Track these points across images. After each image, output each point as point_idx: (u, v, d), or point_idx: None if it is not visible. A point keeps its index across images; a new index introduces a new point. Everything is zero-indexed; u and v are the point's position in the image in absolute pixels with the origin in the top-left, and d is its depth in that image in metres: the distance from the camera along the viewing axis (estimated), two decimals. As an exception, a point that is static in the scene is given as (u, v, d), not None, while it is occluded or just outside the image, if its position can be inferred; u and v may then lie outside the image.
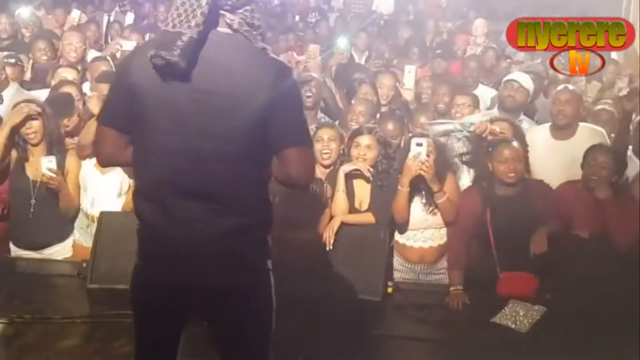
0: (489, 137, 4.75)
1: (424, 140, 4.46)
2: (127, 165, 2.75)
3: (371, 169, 4.63)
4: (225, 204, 2.51)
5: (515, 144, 4.58)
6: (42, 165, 4.60)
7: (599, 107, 5.59)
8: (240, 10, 2.50)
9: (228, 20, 2.50)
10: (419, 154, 4.39)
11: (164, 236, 2.56)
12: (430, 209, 4.59)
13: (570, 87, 5.12)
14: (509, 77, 5.64)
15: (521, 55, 7.34)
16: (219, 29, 2.50)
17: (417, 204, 4.62)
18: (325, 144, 4.78)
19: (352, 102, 5.66)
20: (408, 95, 6.35)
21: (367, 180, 4.65)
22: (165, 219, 2.53)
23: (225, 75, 2.44)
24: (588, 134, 5.01)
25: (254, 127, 2.45)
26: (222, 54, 2.47)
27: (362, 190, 4.69)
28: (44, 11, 8.55)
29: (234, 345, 2.68)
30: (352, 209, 4.67)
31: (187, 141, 2.47)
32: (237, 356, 2.70)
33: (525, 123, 5.43)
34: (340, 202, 4.60)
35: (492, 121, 4.96)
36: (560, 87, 5.16)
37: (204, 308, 2.65)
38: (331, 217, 4.61)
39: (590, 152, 4.56)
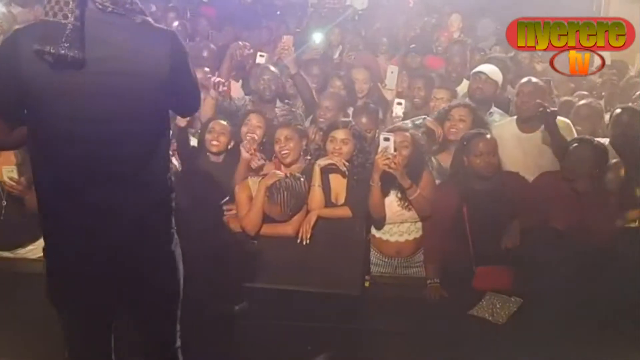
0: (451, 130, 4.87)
1: (391, 135, 4.45)
2: (12, 149, 2.72)
3: (347, 163, 4.62)
4: (136, 183, 2.57)
5: (488, 136, 4.59)
6: (3, 174, 4.56)
7: (582, 102, 5.58)
8: None
9: (98, 4, 2.51)
10: (386, 148, 4.38)
11: (75, 224, 2.56)
12: (406, 203, 4.59)
13: (534, 79, 5.09)
14: (476, 69, 5.64)
15: (497, 49, 7.36)
16: (95, 10, 2.51)
17: (393, 199, 4.62)
18: (282, 144, 4.80)
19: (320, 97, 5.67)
20: (389, 95, 6.33)
21: (343, 174, 4.63)
22: (77, 207, 2.54)
23: (118, 54, 2.49)
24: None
25: (157, 98, 2.55)
26: (109, 34, 2.50)
27: (338, 185, 4.68)
28: (20, 8, 8.40)
29: (146, 315, 2.79)
30: (329, 203, 4.65)
31: (92, 125, 2.49)
32: (148, 325, 2.82)
33: (496, 115, 5.44)
34: (316, 196, 4.58)
35: (450, 108, 5.02)
36: (524, 79, 5.14)
37: (119, 287, 2.69)
38: (307, 212, 4.59)
39: (572, 145, 4.57)
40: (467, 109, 5.01)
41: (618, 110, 5.02)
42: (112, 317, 2.82)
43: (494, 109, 5.46)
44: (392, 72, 6.20)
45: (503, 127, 5.15)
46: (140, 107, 2.54)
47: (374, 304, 4.43)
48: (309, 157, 4.87)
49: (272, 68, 5.82)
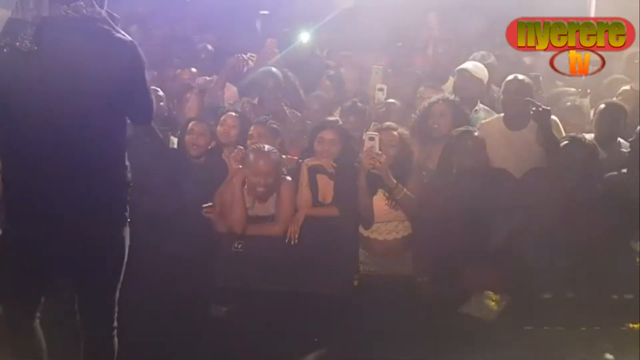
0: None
1: (375, 134, 4.44)
2: None
3: (334, 164, 4.62)
4: (88, 176, 2.78)
5: (476, 133, 4.58)
6: None
7: (569, 104, 5.57)
8: None
9: (62, 9, 2.70)
10: (370, 147, 4.37)
11: (33, 202, 2.78)
12: (393, 203, 4.57)
13: (520, 76, 5.05)
14: (460, 67, 5.58)
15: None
16: (58, 14, 2.70)
17: (380, 197, 4.60)
18: (254, 140, 4.80)
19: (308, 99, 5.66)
20: (380, 95, 6.27)
21: (330, 174, 4.63)
22: (37, 193, 2.76)
23: (72, 57, 2.66)
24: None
25: (108, 102, 2.73)
26: (67, 36, 2.68)
27: (326, 184, 4.68)
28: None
29: (86, 289, 3.00)
30: (316, 203, 4.65)
31: (45, 118, 2.68)
32: (87, 299, 3.02)
33: (482, 112, 5.39)
34: (304, 195, 4.58)
35: (430, 104, 5.00)
36: (510, 77, 5.09)
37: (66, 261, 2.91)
38: (295, 211, 4.58)
39: (562, 143, 4.56)
40: (446, 104, 4.98)
41: (602, 106, 5.04)
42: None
43: (479, 105, 5.42)
44: (376, 73, 6.18)
45: (490, 124, 5.12)
46: (90, 107, 2.72)
47: (362, 303, 4.41)
48: (296, 157, 4.86)
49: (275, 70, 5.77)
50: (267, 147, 4.55)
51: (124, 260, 3.01)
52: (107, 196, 2.88)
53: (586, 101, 5.63)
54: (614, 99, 5.35)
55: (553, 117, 4.98)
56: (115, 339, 3.09)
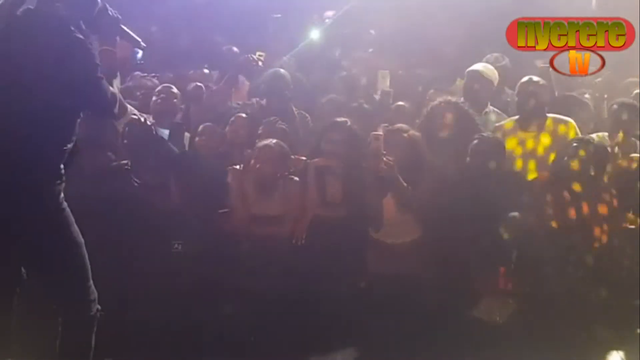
0: None
1: (380, 134, 4.41)
2: None
3: (342, 164, 4.60)
4: (35, 165, 2.89)
5: (491, 138, 4.57)
6: None
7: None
8: None
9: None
10: (376, 148, 4.34)
11: None
12: (402, 205, 4.51)
13: (535, 78, 5.02)
14: (470, 68, 5.52)
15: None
16: (21, 11, 2.82)
17: (390, 200, 4.55)
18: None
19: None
20: (387, 97, 6.25)
21: (338, 175, 4.61)
22: None
23: (30, 50, 2.77)
24: (556, 125, 4.94)
25: (55, 97, 2.83)
26: (25, 32, 2.79)
27: (334, 185, 4.65)
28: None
29: (48, 274, 3.10)
30: (324, 204, 4.63)
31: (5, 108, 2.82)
32: (53, 285, 3.11)
33: (492, 114, 5.36)
34: (311, 196, 4.57)
35: (434, 107, 4.92)
36: (524, 78, 5.06)
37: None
38: (303, 212, 4.59)
39: (570, 144, 4.52)
40: (450, 106, 4.93)
41: (615, 106, 4.99)
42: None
43: (489, 107, 5.38)
44: (383, 77, 6.12)
45: (504, 126, 5.09)
46: (36, 99, 2.82)
47: (370, 305, 4.37)
48: (304, 158, 4.85)
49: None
50: (274, 140, 4.58)
51: (71, 247, 3.07)
52: (39, 187, 2.96)
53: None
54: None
55: (568, 119, 4.95)
56: (90, 324, 3.16)
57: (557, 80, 5.63)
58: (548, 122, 4.95)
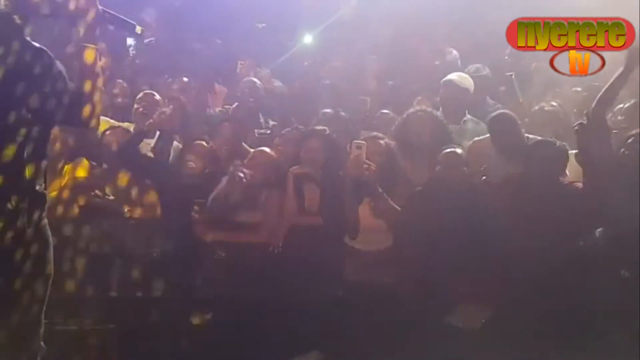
0: None
1: (363, 143, 4.43)
2: None
3: (320, 172, 4.62)
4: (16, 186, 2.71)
5: (459, 150, 4.57)
6: None
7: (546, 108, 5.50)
8: None
9: None
10: (357, 156, 4.36)
11: None
12: (378, 213, 4.51)
13: (506, 112, 4.86)
14: (446, 78, 5.55)
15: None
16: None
17: (366, 207, 4.56)
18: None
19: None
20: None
21: (316, 182, 4.63)
22: None
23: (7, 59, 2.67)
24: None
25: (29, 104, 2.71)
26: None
27: (312, 193, 4.66)
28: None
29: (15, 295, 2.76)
30: (302, 211, 4.63)
31: None
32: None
33: (470, 123, 5.37)
34: (289, 204, 4.57)
35: (408, 115, 4.94)
36: (494, 114, 4.89)
37: None
38: (281, 220, 4.58)
39: (535, 148, 4.52)
40: (425, 114, 4.94)
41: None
42: None
43: (468, 116, 5.41)
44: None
45: (483, 143, 4.95)
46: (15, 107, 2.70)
47: (347, 312, 4.38)
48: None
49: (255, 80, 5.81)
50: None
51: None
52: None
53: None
54: None
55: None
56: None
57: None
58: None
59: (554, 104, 5.33)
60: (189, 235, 4.57)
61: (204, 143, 4.97)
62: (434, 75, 6.46)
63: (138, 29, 3.08)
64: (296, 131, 5.05)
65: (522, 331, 4.07)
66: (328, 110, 5.42)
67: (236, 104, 5.85)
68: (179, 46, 7.68)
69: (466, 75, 5.58)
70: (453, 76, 5.52)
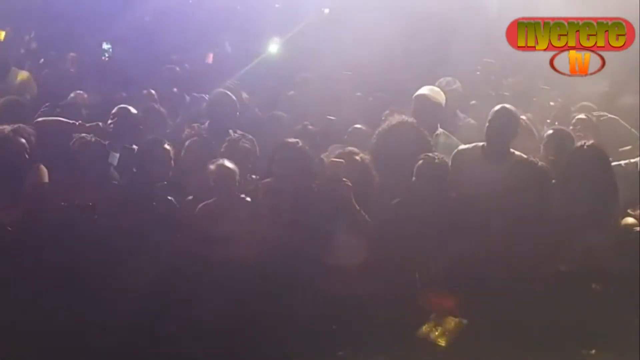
0: None
1: (341, 161, 4.45)
2: None
3: (292, 185, 4.61)
4: None
5: (437, 161, 4.59)
6: None
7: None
8: None
9: None
10: (336, 174, 4.38)
11: None
12: (354, 227, 4.51)
13: (508, 106, 4.82)
14: (417, 92, 5.56)
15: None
16: None
17: (341, 222, 4.54)
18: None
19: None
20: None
21: (290, 196, 4.60)
22: None
23: None
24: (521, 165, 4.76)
25: None
26: None
27: (284, 206, 4.62)
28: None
29: None
30: (275, 225, 4.59)
31: None
32: None
33: (442, 136, 5.38)
34: (262, 218, 4.56)
35: (390, 126, 4.96)
36: (497, 107, 4.81)
37: None
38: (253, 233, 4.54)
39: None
40: (407, 125, 4.96)
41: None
42: None
43: (440, 130, 5.43)
44: None
45: (468, 152, 4.91)
46: None
47: (322, 326, 4.40)
48: (254, 176, 4.85)
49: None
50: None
51: None
52: None
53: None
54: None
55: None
56: None
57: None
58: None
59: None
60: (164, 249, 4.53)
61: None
62: (401, 89, 6.54)
63: None
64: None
65: (498, 344, 4.10)
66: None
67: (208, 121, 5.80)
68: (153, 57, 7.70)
69: (438, 90, 5.62)
70: (425, 90, 5.55)
